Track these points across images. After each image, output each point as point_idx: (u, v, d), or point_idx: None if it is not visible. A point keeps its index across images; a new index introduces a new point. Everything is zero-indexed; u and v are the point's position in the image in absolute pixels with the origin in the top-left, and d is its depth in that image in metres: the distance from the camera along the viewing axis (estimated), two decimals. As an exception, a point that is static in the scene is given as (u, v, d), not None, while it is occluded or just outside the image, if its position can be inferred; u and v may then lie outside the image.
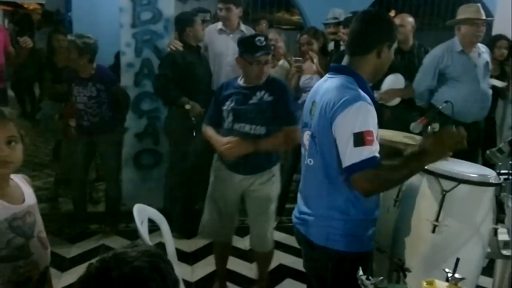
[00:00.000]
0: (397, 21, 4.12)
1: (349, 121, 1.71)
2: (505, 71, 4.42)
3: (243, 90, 2.71)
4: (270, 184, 2.79)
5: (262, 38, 2.60)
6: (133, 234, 3.87)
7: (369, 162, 1.67)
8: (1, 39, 4.08)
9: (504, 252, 2.50)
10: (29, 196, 1.78)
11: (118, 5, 3.91)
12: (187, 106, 3.65)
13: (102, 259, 1.08)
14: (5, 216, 1.62)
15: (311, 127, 1.90)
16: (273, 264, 3.25)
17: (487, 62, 3.88)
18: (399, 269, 1.71)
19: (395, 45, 1.90)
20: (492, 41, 4.33)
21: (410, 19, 4.17)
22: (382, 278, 1.39)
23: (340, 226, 1.84)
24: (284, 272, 3.45)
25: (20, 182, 1.76)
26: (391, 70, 3.57)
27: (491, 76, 4.03)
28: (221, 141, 2.66)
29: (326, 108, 1.79)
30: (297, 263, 3.50)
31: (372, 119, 1.73)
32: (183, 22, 3.74)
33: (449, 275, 1.45)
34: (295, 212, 2.07)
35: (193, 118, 3.64)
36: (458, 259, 1.45)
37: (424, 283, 1.41)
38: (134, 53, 3.93)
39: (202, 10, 4.40)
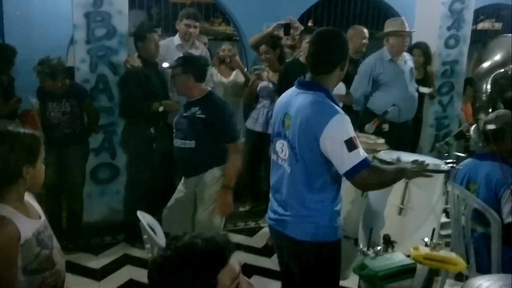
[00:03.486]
0: (352, 32, 4.56)
1: (336, 133, 1.96)
2: (427, 74, 4.96)
3: (185, 104, 3.17)
4: (211, 185, 3.07)
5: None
6: (96, 250, 3.92)
7: (365, 162, 1.95)
8: None
9: (442, 232, 2.96)
10: (41, 211, 1.89)
11: (70, 22, 3.96)
12: (161, 108, 3.76)
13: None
14: (33, 232, 1.73)
15: (285, 137, 2.13)
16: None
17: (411, 68, 4.42)
18: (387, 242, 2.05)
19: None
20: (410, 50, 4.90)
21: (366, 30, 4.62)
22: (380, 248, 1.70)
23: (317, 221, 2.09)
24: (250, 270, 3.65)
25: (29, 198, 1.86)
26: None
27: (417, 80, 4.57)
28: None
29: (307, 124, 2.01)
30: (260, 261, 3.77)
31: (351, 126, 2.01)
32: (140, 38, 3.85)
33: (428, 242, 1.80)
34: (270, 214, 2.28)
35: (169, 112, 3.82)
36: (434, 229, 1.81)
37: (411, 249, 1.73)
38: (89, 69, 3.98)
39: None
